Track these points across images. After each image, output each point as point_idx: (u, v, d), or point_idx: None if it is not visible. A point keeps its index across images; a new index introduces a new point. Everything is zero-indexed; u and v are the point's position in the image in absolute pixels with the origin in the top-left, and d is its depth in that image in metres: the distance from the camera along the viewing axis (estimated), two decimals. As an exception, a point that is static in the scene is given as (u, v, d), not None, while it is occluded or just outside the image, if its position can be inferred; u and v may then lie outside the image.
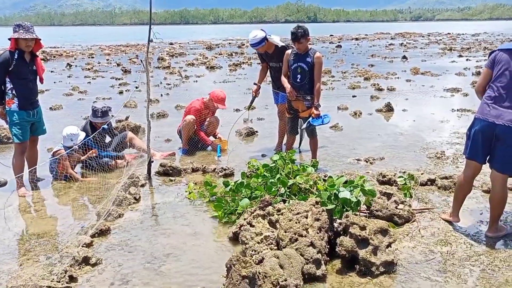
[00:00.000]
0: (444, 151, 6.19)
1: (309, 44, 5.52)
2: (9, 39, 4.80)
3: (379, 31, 59.53)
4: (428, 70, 16.08)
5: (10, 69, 4.75)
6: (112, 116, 6.12)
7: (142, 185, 5.17)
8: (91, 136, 5.41)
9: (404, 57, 21.55)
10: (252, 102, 6.64)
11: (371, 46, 31.77)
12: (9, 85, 4.83)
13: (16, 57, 4.76)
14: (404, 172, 5.16)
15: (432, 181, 4.97)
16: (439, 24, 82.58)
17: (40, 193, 5.12)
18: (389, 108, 9.27)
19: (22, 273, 3.19)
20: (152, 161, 5.45)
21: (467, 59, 19.97)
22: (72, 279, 3.20)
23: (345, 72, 16.32)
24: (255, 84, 6.45)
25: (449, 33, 50.14)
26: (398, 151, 6.44)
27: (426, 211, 4.28)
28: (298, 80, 5.39)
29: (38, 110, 5.14)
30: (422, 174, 5.17)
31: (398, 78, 14.60)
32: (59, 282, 3.07)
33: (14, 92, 4.84)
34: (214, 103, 6.57)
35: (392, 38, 43.01)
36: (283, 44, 6.00)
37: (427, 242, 3.69)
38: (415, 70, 16.04)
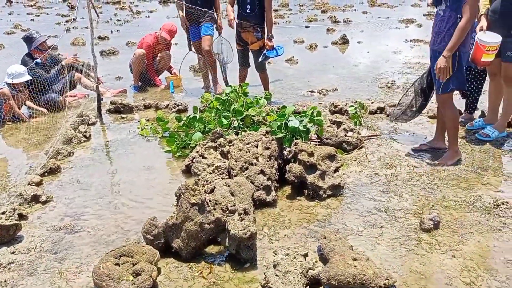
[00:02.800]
0: (395, 81, 6.33)
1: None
2: None
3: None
4: (385, 2, 15.98)
5: None
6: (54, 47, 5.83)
7: (93, 123, 5.04)
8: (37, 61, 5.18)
9: (362, -12, 21.23)
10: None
11: (330, -22, 31.00)
12: None
13: None
14: (356, 102, 5.26)
15: (381, 109, 5.12)
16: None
17: (-16, 135, 4.91)
18: (344, 41, 9.26)
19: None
20: (102, 99, 5.29)
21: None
22: (22, 216, 3.16)
23: (302, 5, 15.99)
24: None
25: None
26: (351, 82, 6.52)
27: (374, 138, 4.44)
28: (247, 11, 5.22)
29: None
30: (372, 103, 5.30)
31: (355, 10, 14.48)
32: (7, 220, 3.03)
33: None
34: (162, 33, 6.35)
35: (351, -30, 42.06)
36: None
37: (373, 166, 3.86)
38: (372, 2, 15.91)
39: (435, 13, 3.69)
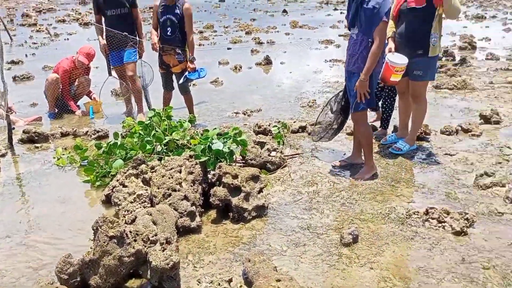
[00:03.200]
0: (315, 100, 6.58)
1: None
2: None
3: (262, -15, 59.75)
4: (306, 23, 16.68)
5: None
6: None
7: (2, 155, 4.69)
8: None
9: (285, 11, 22.03)
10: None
11: (253, 0, 31.84)
12: None
13: None
14: (279, 122, 5.40)
15: (303, 128, 5.28)
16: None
17: None
18: (268, 62, 9.50)
19: None
20: (13, 128, 4.95)
21: (341, 12, 21.10)
22: None
23: (227, 26, 16.23)
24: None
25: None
26: (275, 102, 6.68)
27: (297, 156, 4.56)
28: (168, 33, 5.20)
29: None
30: (294, 122, 5.45)
31: (278, 31, 14.94)
32: None
33: None
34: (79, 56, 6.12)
35: (274, -7, 43.49)
36: None
37: (296, 184, 3.95)
38: (294, 23, 16.52)
39: (349, 36, 3.90)
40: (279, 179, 4.06)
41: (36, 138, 5.06)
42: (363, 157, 4.15)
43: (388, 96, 4.90)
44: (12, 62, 9.72)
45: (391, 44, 4.23)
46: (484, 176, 3.82)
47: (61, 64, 6.16)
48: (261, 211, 3.44)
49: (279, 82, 7.97)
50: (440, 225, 3.15)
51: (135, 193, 3.46)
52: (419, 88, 4.29)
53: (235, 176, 3.49)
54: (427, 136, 4.88)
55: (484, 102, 6.30)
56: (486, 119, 5.36)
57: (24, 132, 5.08)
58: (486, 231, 3.13)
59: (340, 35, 13.18)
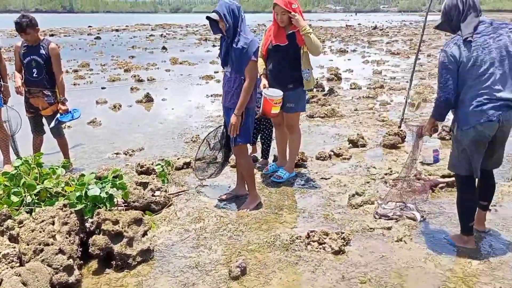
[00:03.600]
0: (199, 135, 6.63)
1: (40, 35, 4.98)
2: None
3: (140, 22, 59.41)
4: (186, 59, 16.92)
5: None
6: None
7: None
8: None
9: (164, 48, 22.12)
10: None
11: (132, 38, 31.46)
12: None
13: None
14: (162, 159, 5.31)
15: (187, 164, 5.26)
16: (196, 16, 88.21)
17: None
18: (149, 99, 9.37)
19: None
20: None
21: (219, 48, 21.83)
22: None
23: (104, 64, 15.73)
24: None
25: (204, 24, 53.78)
26: (158, 139, 6.58)
27: (182, 193, 4.50)
28: (34, 75, 4.85)
29: None
30: (178, 159, 5.41)
31: (158, 68, 14.90)
32: None
33: None
34: None
35: (152, 29, 43.55)
36: None
37: (183, 222, 3.88)
38: (174, 60, 16.66)
39: (224, 73, 4.04)
40: (165, 219, 3.96)
41: None
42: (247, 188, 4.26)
43: (266, 128, 5.15)
44: None
45: (264, 81, 4.48)
46: (356, 195, 4.18)
47: None
48: (146, 255, 3.30)
49: (161, 119, 7.89)
50: (320, 246, 3.34)
51: (0, 252, 3.08)
52: (292, 119, 4.58)
53: (115, 222, 3.31)
54: (305, 163, 5.21)
55: (351, 127, 6.95)
56: (353, 143, 5.91)
57: None
58: (361, 247, 3.39)
59: (215, 72, 13.53)
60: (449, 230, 3.60)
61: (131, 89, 10.91)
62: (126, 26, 50.49)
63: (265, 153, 5.28)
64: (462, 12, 3.04)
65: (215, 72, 13.38)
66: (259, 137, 5.31)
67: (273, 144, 5.32)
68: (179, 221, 3.91)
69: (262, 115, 4.44)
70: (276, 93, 4.29)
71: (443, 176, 4.54)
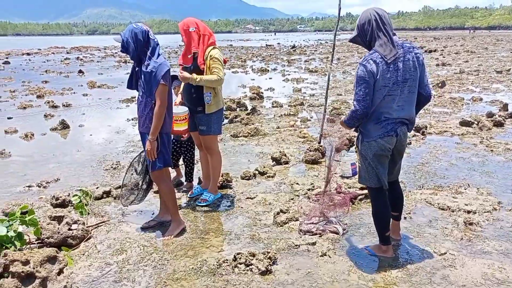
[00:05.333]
0: (119, 161, 6.37)
1: None
2: None
3: (54, 45, 56.62)
4: (105, 82, 16.34)
5: None
6: None
7: None
8: None
9: (81, 71, 21.22)
10: None
11: (45, 61, 29.83)
12: None
13: None
14: (80, 190, 5.00)
15: (107, 193, 5.01)
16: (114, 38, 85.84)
17: None
18: (64, 126, 8.87)
19: None
20: None
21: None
22: None
23: (14, 91, 14.70)
24: None
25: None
26: (75, 169, 6.21)
27: (103, 224, 4.27)
28: None
29: None
30: (97, 188, 5.15)
31: (74, 93, 14.22)
32: None
33: None
34: None
35: (68, 52, 41.68)
36: None
37: (104, 255, 3.67)
38: (92, 83, 16.02)
39: (136, 98, 3.94)
40: (83, 254, 3.71)
41: None
42: (172, 214, 4.14)
43: (187, 151, 5.08)
44: None
45: (178, 99, 4.49)
46: (280, 213, 4.22)
47: None
48: (63, 295, 3.06)
49: (78, 147, 7.47)
50: (247, 268, 3.31)
51: None
52: (206, 142, 4.54)
53: (26, 262, 3.04)
54: (230, 183, 5.19)
55: (274, 145, 7.08)
56: (277, 161, 6.01)
57: None
58: (287, 265, 3.41)
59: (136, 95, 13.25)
60: (370, 241, 3.75)
61: (45, 116, 10.26)
62: (39, 49, 47.88)
63: (189, 176, 5.19)
64: (376, 28, 3.13)
65: (136, 95, 13.06)
66: (181, 159, 5.22)
67: (199, 166, 5.26)
68: (99, 255, 3.69)
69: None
70: (180, 109, 4.27)
71: (362, 188, 4.76)
